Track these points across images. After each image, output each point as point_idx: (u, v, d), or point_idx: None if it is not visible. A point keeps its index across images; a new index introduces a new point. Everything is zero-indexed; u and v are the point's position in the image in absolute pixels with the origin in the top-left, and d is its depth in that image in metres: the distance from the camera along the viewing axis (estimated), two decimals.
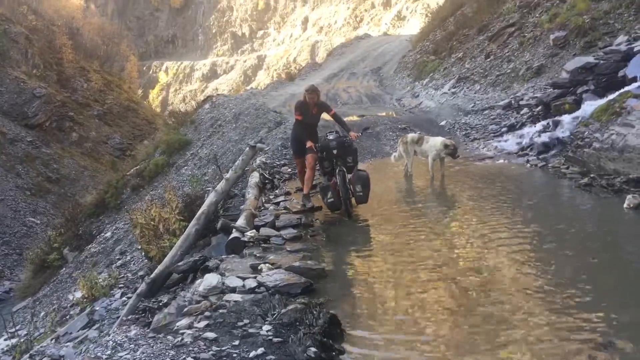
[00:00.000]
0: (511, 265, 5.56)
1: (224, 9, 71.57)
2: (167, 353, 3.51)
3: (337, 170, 7.84)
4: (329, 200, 7.74)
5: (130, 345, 3.56)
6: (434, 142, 9.73)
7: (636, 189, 7.43)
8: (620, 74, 10.73)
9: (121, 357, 3.40)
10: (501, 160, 10.84)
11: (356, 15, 58.29)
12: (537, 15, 17.28)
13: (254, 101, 20.52)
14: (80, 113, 34.41)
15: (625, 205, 7.01)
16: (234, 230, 7.10)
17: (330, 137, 8.05)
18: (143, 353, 3.47)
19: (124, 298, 8.91)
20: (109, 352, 3.47)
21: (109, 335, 3.67)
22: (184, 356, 3.50)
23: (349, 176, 7.87)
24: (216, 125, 18.51)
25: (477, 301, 4.81)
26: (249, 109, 18.45)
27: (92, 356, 3.35)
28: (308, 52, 57.94)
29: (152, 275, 7.16)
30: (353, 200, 7.95)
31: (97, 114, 35.72)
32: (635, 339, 3.95)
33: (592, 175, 8.35)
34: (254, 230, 7.11)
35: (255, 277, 5.29)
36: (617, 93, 9.72)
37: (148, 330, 4.03)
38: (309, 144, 7.98)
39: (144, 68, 66.50)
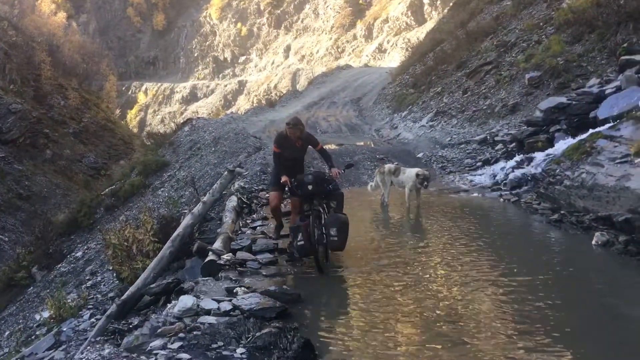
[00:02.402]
0: (480, 298, 5.65)
1: (207, 34, 72.18)
2: None
3: (311, 210, 6.90)
4: (298, 244, 6.65)
5: None
6: (410, 174, 9.90)
7: (604, 226, 7.64)
8: (592, 115, 11.11)
9: None
10: (475, 194, 11.06)
11: (338, 45, 59.24)
12: (513, 54, 17.82)
13: (233, 126, 20.63)
14: (55, 130, 34.02)
15: (593, 242, 7.20)
16: (210, 253, 7.10)
17: (308, 172, 7.39)
18: None
19: (92, 319, 8.77)
20: None
21: (82, 353, 3.64)
22: None
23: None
24: (195, 148, 18.54)
25: (448, 328, 4.90)
26: (228, 133, 18.54)
27: None
28: (289, 79, 58.50)
29: (124, 297, 7.07)
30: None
31: (72, 132, 35.34)
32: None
33: (562, 212, 8.57)
34: (231, 254, 7.11)
35: (230, 300, 5.30)
36: (588, 133, 10.03)
37: (121, 350, 4.02)
38: (283, 178, 7.15)
39: (123, 88, 66.41)
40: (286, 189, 7.37)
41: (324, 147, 8.04)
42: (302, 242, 6.59)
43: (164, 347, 4.14)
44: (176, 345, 4.17)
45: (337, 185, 7.25)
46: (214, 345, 4.20)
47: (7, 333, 12.87)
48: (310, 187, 6.83)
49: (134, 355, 3.84)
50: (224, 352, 4.07)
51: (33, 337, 10.63)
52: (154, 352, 4.02)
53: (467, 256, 7.09)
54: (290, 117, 7.73)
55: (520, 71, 16.29)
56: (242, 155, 15.13)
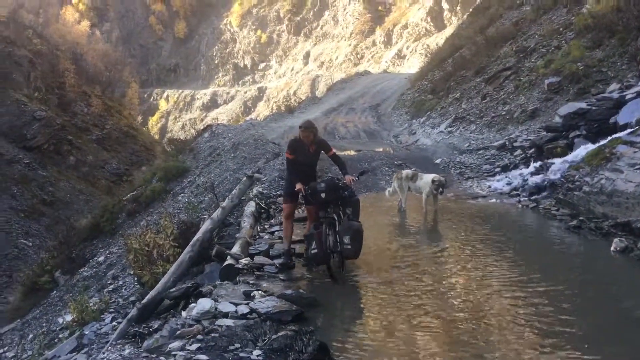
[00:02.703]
0: (498, 302, 5.68)
1: (227, 41, 72.77)
2: None
3: (325, 218, 6.86)
4: (312, 252, 6.67)
5: None
6: (427, 180, 9.93)
7: (623, 232, 7.60)
8: (612, 120, 11.03)
9: None
10: (493, 200, 11.03)
11: (357, 52, 59.31)
12: (532, 60, 17.73)
13: (253, 132, 20.82)
14: (79, 137, 34.63)
15: (612, 249, 7.17)
16: (228, 257, 7.21)
17: (322, 180, 7.33)
18: None
19: (114, 323, 8.90)
20: None
21: (104, 353, 3.76)
22: None
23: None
24: (215, 154, 18.74)
25: (465, 334, 4.92)
26: (247, 139, 18.72)
27: None
28: (308, 85, 58.72)
29: (144, 301, 7.17)
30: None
31: (95, 139, 35.95)
32: None
33: (581, 218, 8.52)
34: (248, 258, 7.22)
35: (247, 304, 5.39)
36: (608, 139, 9.97)
37: (141, 350, 4.13)
38: (298, 186, 6.94)
39: (145, 95, 67.24)
40: (300, 196, 7.23)
41: (341, 153, 8.02)
42: (315, 251, 6.59)
43: (182, 349, 4.24)
44: (194, 346, 4.27)
45: (353, 191, 7.18)
46: (231, 347, 4.29)
47: (30, 336, 13.07)
48: (323, 195, 6.77)
49: (154, 356, 3.95)
50: (241, 354, 4.16)
51: (56, 340, 10.77)
52: (173, 353, 4.13)
53: (485, 261, 7.09)
54: (304, 121, 7.52)
55: (540, 77, 16.21)
56: (261, 161, 15.26)
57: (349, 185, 7.04)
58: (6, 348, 12.68)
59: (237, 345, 4.35)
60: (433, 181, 9.71)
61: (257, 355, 4.14)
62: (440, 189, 9.75)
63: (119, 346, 4.33)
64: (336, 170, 8.57)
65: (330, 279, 6.59)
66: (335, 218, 6.76)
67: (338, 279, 6.59)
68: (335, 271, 6.65)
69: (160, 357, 3.94)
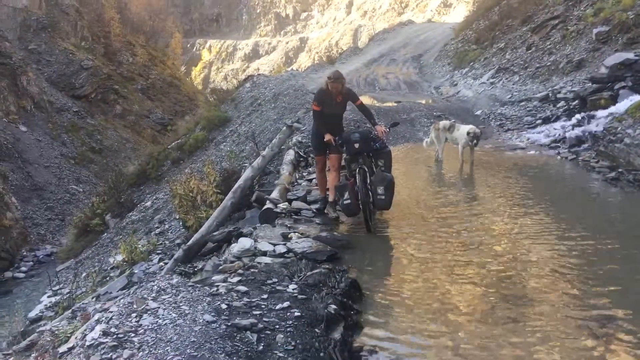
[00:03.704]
0: (535, 252, 5.71)
1: None
2: (204, 299, 3.97)
3: (357, 169, 6.72)
4: (344, 202, 6.61)
5: (172, 291, 4.04)
6: (463, 131, 9.95)
7: None
8: None
9: (164, 299, 3.87)
10: (532, 152, 10.99)
11: (401, 0, 57.90)
12: (581, 8, 17.13)
13: (293, 82, 20.91)
14: (124, 86, 35.36)
15: None
16: (267, 202, 7.52)
17: (356, 130, 7.16)
18: (184, 297, 3.95)
19: (161, 263, 9.41)
20: (153, 294, 3.95)
21: (154, 281, 4.14)
22: (218, 302, 3.96)
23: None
24: (255, 104, 18.99)
25: (503, 285, 4.95)
26: (288, 89, 18.87)
27: (139, 297, 3.83)
28: (350, 36, 57.97)
29: (189, 243, 7.54)
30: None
31: (140, 88, 36.65)
32: (633, 315, 4.24)
33: (620, 170, 8.50)
34: (287, 203, 7.52)
35: (284, 244, 5.71)
36: None
37: (188, 280, 4.51)
38: (327, 137, 6.86)
39: (188, 45, 67.61)
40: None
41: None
42: (348, 201, 6.55)
43: (224, 281, 4.61)
44: (235, 279, 4.62)
45: (384, 143, 7.11)
46: (269, 281, 4.62)
47: (84, 274, 13.83)
48: (357, 145, 6.68)
49: (199, 285, 4.31)
50: (278, 287, 4.49)
51: (107, 279, 11.38)
52: (216, 284, 4.49)
53: (521, 212, 7.14)
54: (332, 71, 7.27)
55: (588, 26, 15.70)
56: (301, 111, 15.43)
57: (381, 137, 6.99)
58: (62, 285, 13.46)
59: (275, 279, 4.67)
60: (468, 133, 9.73)
61: (293, 289, 4.45)
62: (475, 141, 9.77)
63: (167, 276, 4.73)
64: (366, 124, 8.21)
65: (366, 228, 6.58)
66: (366, 169, 6.69)
67: (372, 228, 6.60)
68: (371, 221, 6.63)
69: (205, 287, 4.31)
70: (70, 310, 9.19)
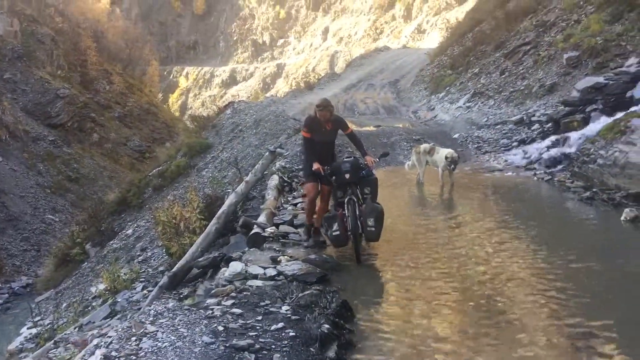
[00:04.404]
0: (510, 265, 6.00)
1: (246, 17, 72.75)
2: (201, 321, 4.07)
3: (346, 199, 6.61)
4: (333, 234, 6.48)
5: (169, 314, 4.13)
6: (442, 154, 10.25)
7: (634, 203, 7.88)
8: (628, 94, 11.20)
9: (162, 323, 3.96)
10: (509, 173, 11.31)
11: (376, 27, 59.00)
12: (552, 34, 17.72)
13: (274, 108, 21.13)
14: (101, 114, 35.27)
15: (622, 218, 7.45)
16: (255, 226, 7.62)
17: (346, 159, 6.95)
18: (181, 320, 4.04)
19: (144, 291, 9.37)
20: (151, 318, 4.02)
21: (151, 305, 4.21)
22: (215, 324, 4.06)
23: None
24: (237, 130, 19.13)
25: (477, 291, 5.25)
26: (269, 115, 19.07)
27: (137, 321, 3.90)
28: (327, 62, 58.68)
29: (174, 269, 7.57)
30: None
31: (117, 116, 36.59)
32: (612, 327, 4.48)
33: (594, 190, 8.80)
34: (274, 227, 7.63)
35: (275, 267, 5.83)
36: (624, 113, 10.15)
37: (183, 304, 4.59)
38: (315, 166, 6.75)
39: (165, 72, 67.67)
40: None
41: (361, 128, 8.07)
42: (337, 232, 6.45)
43: (218, 304, 4.71)
44: (229, 302, 4.72)
45: (371, 170, 6.96)
46: (262, 303, 4.73)
47: (64, 305, 13.68)
48: (347, 175, 6.59)
49: (194, 309, 4.40)
50: (271, 309, 4.60)
51: (89, 308, 11.30)
52: (210, 307, 4.59)
53: (499, 230, 7.40)
54: (320, 99, 7.18)
55: (559, 51, 16.23)
56: (283, 137, 15.60)
57: (370, 167, 6.91)
58: (42, 316, 13.27)
59: (267, 301, 4.78)
60: (446, 157, 10.02)
61: (286, 310, 4.57)
62: (453, 166, 10.04)
63: (163, 300, 4.80)
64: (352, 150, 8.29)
65: (356, 259, 6.46)
66: (356, 200, 6.62)
67: (361, 259, 6.50)
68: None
69: (200, 310, 4.40)
70: (52, 342, 9.09)
